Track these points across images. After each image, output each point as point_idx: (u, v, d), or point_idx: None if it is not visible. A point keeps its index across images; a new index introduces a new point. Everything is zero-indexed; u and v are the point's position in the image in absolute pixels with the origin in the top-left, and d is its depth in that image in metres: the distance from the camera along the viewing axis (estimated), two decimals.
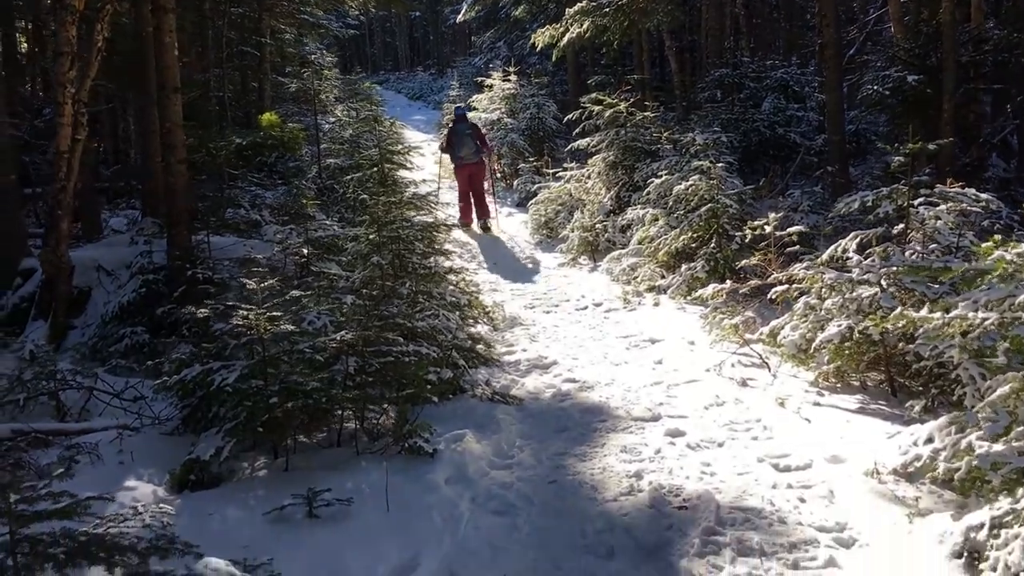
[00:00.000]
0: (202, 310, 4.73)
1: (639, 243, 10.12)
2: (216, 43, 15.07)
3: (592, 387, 6.43)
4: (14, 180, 7.87)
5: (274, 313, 4.52)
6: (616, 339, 7.72)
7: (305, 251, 7.53)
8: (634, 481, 4.65)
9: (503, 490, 4.61)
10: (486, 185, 13.63)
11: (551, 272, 11.13)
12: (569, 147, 13.43)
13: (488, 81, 19.84)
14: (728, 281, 7.53)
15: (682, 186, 9.08)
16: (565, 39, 12.76)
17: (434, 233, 8.06)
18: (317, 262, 7.61)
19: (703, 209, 8.81)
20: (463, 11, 25.53)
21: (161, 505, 3.55)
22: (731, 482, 4.56)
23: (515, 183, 16.33)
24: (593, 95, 13.73)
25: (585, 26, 12.68)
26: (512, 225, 14.39)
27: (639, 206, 11.22)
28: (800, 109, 14.42)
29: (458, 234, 13.31)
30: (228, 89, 15.11)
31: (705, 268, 8.48)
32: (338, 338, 4.73)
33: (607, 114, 12.84)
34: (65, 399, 5.43)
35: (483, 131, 13.65)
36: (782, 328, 6.48)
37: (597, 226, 11.88)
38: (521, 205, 15.78)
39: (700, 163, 9.75)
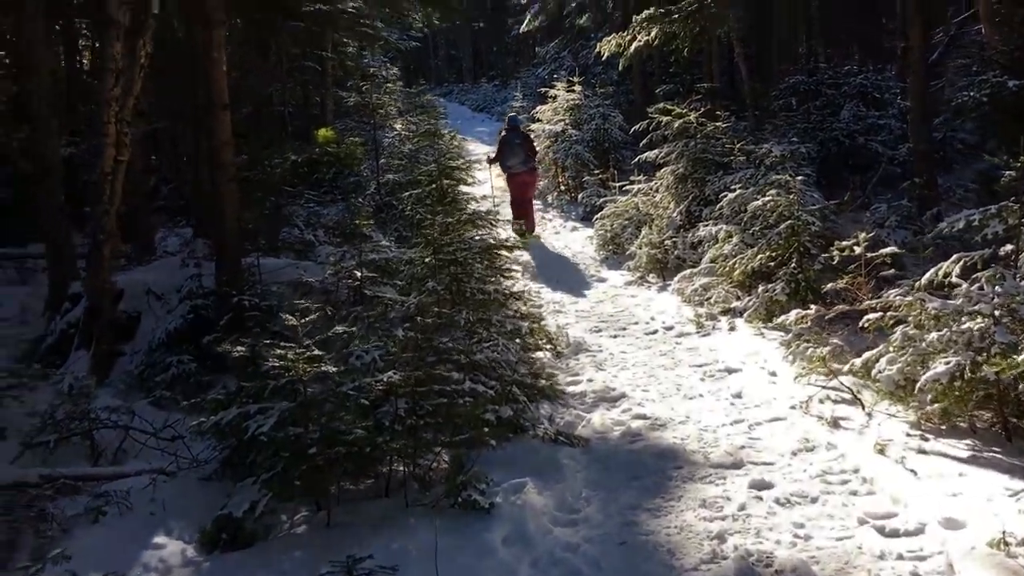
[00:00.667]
0: (238, 348, 4.33)
1: (712, 261, 9.52)
2: (278, 57, 14.94)
3: (665, 425, 5.87)
4: (62, 201, 7.68)
5: (314, 352, 4.10)
6: (689, 368, 7.14)
7: (358, 274, 7.13)
8: (716, 545, 4.09)
9: (567, 552, 4.09)
10: (531, 193, 14.11)
11: (618, 291, 10.58)
12: (636, 159, 12.88)
13: (551, 92, 19.38)
14: (812, 306, 6.90)
15: (759, 201, 8.47)
16: (632, 47, 12.23)
17: (495, 253, 7.62)
18: (371, 286, 7.21)
19: (782, 226, 8.17)
20: (526, 21, 25.18)
21: None
22: (830, 549, 3.97)
23: (580, 196, 15.82)
24: (661, 105, 13.16)
25: (653, 33, 12.13)
26: (577, 240, 13.89)
27: (711, 222, 10.60)
28: (881, 117, 13.61)
29: (520, 252, 12.91)
30: (289, 103, 14.96)
31: (785, 290, 7.83)
32: (384, 379, 4.29)
33: (676, 125, 12.26)
34: (100, 438, 5.11)
35: (534, 142, 14.06)
36: (876, 360, 5.84)
37: (666, 242, 11.30)
38: (586, 219, 15.25)
39: (778, 177, 9.13)
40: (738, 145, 11.39)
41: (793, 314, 6.75)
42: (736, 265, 8.56)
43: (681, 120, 12.20)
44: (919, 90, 10.74)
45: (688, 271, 9.72)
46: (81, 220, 9.04)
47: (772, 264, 8.30)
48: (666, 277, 10.93)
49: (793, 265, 7.97)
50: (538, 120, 19.26)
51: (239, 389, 4.49)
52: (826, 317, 6.72)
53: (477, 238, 7.13)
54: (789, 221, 8.13)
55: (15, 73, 9.51)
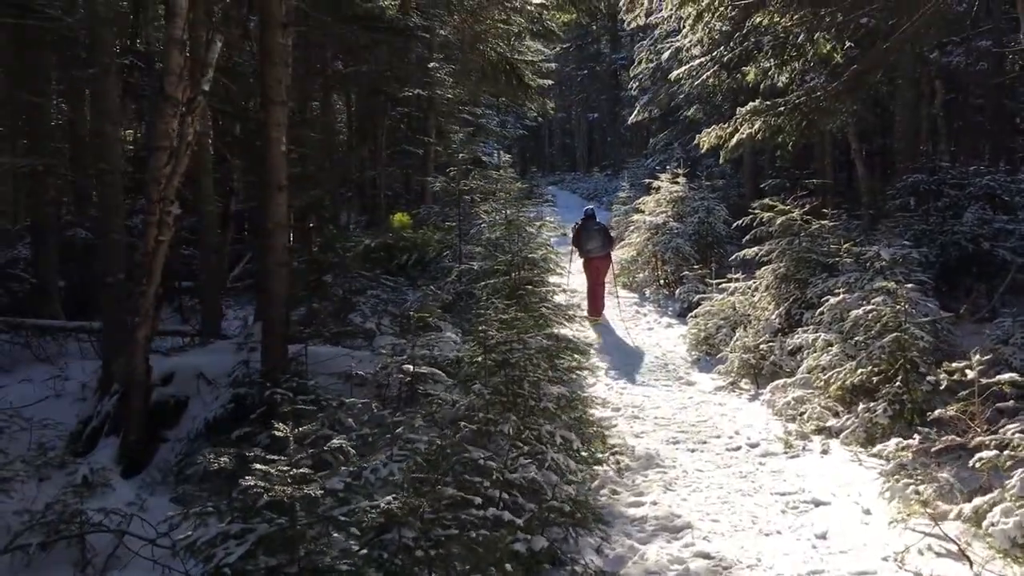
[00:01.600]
0: (222, 460, 3.89)
1: (808, 372, 8.67)
2: (377, 141, 15.04)
3: (730, 568, 5.08)
4: (120, 277, 7.58)
5: (303, 470, 3.60)
6: (771, 496, 6.30)
7: (410, 368, 6.68)
8: None
9: None
10: (608, 280, 14.96)
11: (705, 397, 9.78)
12: (734, 256, 12.16)
13: (655, 183, 18.92)
14: (916, 433, 6.01)
15: (861, 310, 7.63)
16: (734, 140, 11.63)
17: (563, 354, 7.05)
18: (424, 382, 6.74)
19: (887, 339, 7.30)
20: (636, 111, 24.96)
21: None
22: None
23: (677, 291, 15.12)
24: (764, 200, 12.49)
25: (756, 126, 11.52)
26: (670, 338, 13.15)
27: (810, 328, 9.77)
28: (1010, 221, 12.50)
29: (597, 346, 12.27)
30: (387, 186, 14.95)
31: (888, 412, 6.93)
32: (382, 505, 3.74)
33: (779, 221, 11.54)
34: (95, 543, 4.72)
35: (613, 233, 15.27)
36: (990, 509, 4.94)
37: (762, 347, 10.47)
38: (682, 315, 14.51)
39: (885, 283, 8.29)
40: (845, 246, 10.56)
41: (893, 443, 5.89)
42: (834, 379, 7.70)
43: (784, 217, 11.48)
44: None
45: (782, 381, 8.88)
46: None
47: (875, 379, 7.41)
48: (759, 385, 10.09)
49: (898, 384, 7.07)
50: (640, 211, 18.79)
51: (229, 502, 4.03)
52: (932, 449, 5.82)
53: (540, 337, 6.56)
54: (895, 333, 7.26)
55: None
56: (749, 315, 11.69)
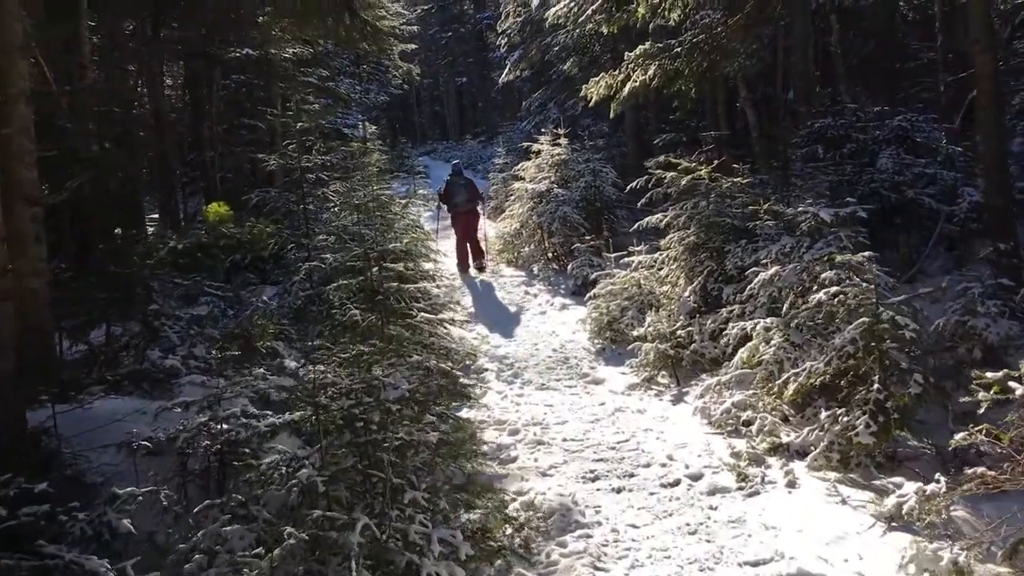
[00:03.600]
0: None
1: (744, 363, 7.03)
2: (208, 115, 12.62)
3: None
4: None
5: None
6: (738, 569, 4.57)
7: (222, 427, 4.62)
8: None
9: None
10: (479, 231, 15.15)
11: (619, 401, 8.07)
12: (635, 225, 10.46)
13: (535, 146, 17.09)
14: (943, 477, 4.39)
15: (822, 293, 5.97)
16: (626, 89, 9.93)
17: (440, 398, 5.15)
18: (247, 444, 4.70)
19: (854, 326, 5.66)
20: (506, 70, 23.04)
21: None
22: None
23: (569, 267, 13.37)
24: (662, 158, 10.84)
25: (651, 72, 9.83)
26: (567, 323, 11.39)
27: (736, 307, 8.17)
28: (929, 165, 11.26)
29: (494, 345, 10.42)
30: (229, 168, 12.58)
31: (871, 428, 5.30)
32: None
33: (683, 181, 9.89)
34: None
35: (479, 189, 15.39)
36: None
37: (679, 332, 8.83)
38: (577, 294, 12.82)
39: (829, 251, 6.72)
40: (765, 206, 8.99)
41: (912, 496, 4.22)
42: (789, 381, 6.04)
43: (690, 176, 9.83)
44: (991, 127, 8.40)
45: (713, 380, 7.21)
46: None
47: (841, 381, 5.79)
48: (680, 379, 8.48)
49: (876, 384, 5.44)
50: (520, 178, 16.96)
51: None
52: (958, 491, 4.19)
53: (404, 377, 4.61)
54: (864, 319, 5.63)
55: None
56: (658, 294, 10.06)
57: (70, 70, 10.29)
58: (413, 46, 41.14)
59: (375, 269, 6.27)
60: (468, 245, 14.74)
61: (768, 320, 6.87)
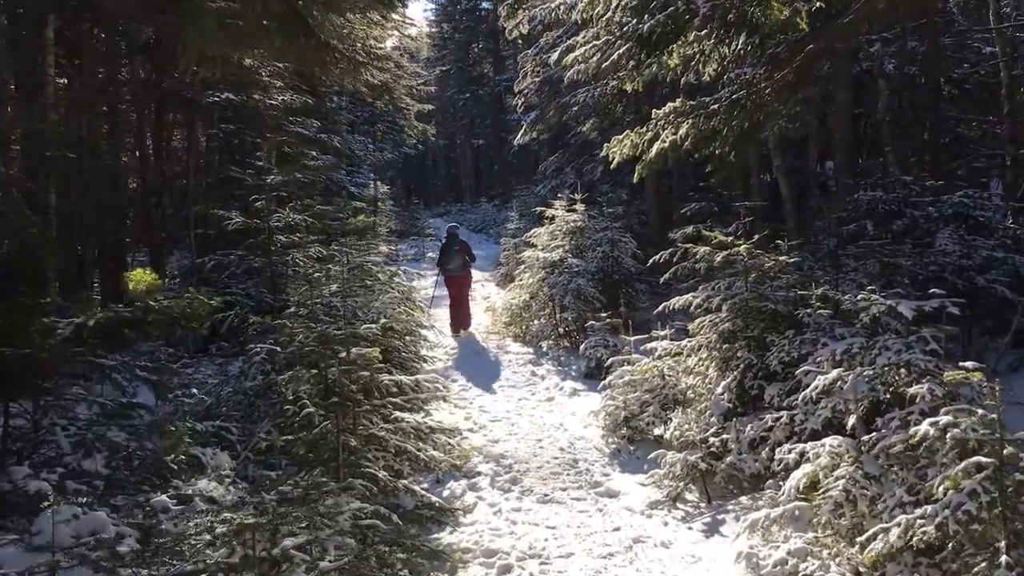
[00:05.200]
0: None
1: (801, 494, 5.53)
2: (187, 163, 11.38)
3: None
4: None
5: None
6: None
7: None
8: None
9: None
10: (470, 294, 15.56)
11: (639, 526, 6.55)
12: (661, 306, 9.03)
13: (549, 212, 15.81)
14: None
15: (926, 425, 4.45)
16: (654, 149, 8.58)
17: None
18: None
19: (966, 470, 4.16)
20: (521, 132, 21.90)
21: None
22: None
23: (582, 346, 11.91)
24: (690, 229, 9.52)
25: (683, 131, 8.50)
26: (577, 414, 9.91)
27: (785, 416, 6.69)
28: (997, 248, 9.84)
29: (488, 440, 8.92)
30: (200, 226, 11.30)
31: None
32: None
33: (718, 258, 8.49)
34: None
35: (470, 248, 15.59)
36: None
37: (710, 439, 7.34)
38: (590, 377, 11.39)
39: (917, 356, 5.28)
40: (818, 291, 7.57)
41: None
42: (876, 540, 4.48)
43: (725, 252, 8.44)
44: None
45: (760, 515, 5.65)
46: None
47: (946, 543, 4.26)
48: (712, 497, 6.98)
49: (1003, 558, 3.92)
50: (532, 245, 15.66)
51: None
52: None
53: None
54: (983, 460, 4.12)
55: None
56: (684, 387, 8.60)
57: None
58: (430, 107, 40.56)
59: (333, 360, 4.83)
60: (459, 305, 14.97)
61: (833, 441, 5.37)
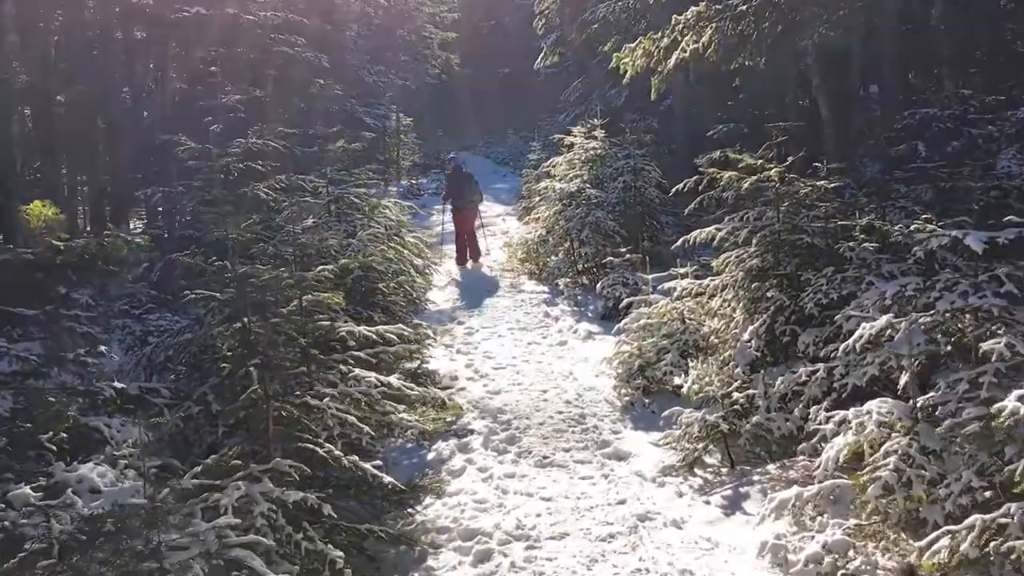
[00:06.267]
0: None
1: (841, 468, 4.53)
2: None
3: None
4: None
5: None
6: None
7: None
8: None
9: None
10: (477, 224, 15.14)
11: (648, 498, 5.61)
12: (680, 241, 7.97)
13: (567, 139, 14.67)
14: None
15: (1013, 400, 3.41)
16: (672, 60, 7.44)
17: None
18: None
19: None
20: (541, 55, 20.57)
21: None
22: None
23: (600, 284, 10.89)
24: (717, 154, 8.37)
25: (706, 37, 7.34)
26: (590, 361, 8.95)
27: (822, 369, 5.67)
28: None
29: (486, 394, 7.99)
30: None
31: None
32: None
33: (745, 184, 7.39)
34: None
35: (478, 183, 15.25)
36: None
37: (735, 393, 6.34)
38: (607, 318, 10.39)
39: (988, 299, 4.22)
40: (862, 222, 6.46)
41: None
42: (939, 543, 3.50)
43: (753, 177, 7.33)
44: None
45: (790, 493, 4.65)
46: None
47: None
48: (735, 461, 6.03)
49: None
50: (550, 176, 14.57)
51: None
52: None
53: None
54: None
55: None
56: (706, 332, 7.59)
57: None
58: (454, 34, 39.09)
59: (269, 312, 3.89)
60: (465, 239, 14.56)
61: (882, 406, 4.35)
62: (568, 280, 12.36)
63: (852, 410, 4.42)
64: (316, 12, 16.58)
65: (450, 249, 15.61)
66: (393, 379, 5.10)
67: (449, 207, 15.07)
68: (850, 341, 4.94)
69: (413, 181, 29.24)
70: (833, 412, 4.65)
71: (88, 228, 9.25)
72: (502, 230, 18.53)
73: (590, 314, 11.04)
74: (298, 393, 4.35)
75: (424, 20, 37.31)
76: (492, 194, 26.32)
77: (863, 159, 11.68)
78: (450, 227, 15.50)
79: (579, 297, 11.80)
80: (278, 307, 4.71)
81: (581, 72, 24.09)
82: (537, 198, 14.82)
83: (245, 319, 4.02)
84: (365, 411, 4.67)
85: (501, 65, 46.67)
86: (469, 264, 14.47)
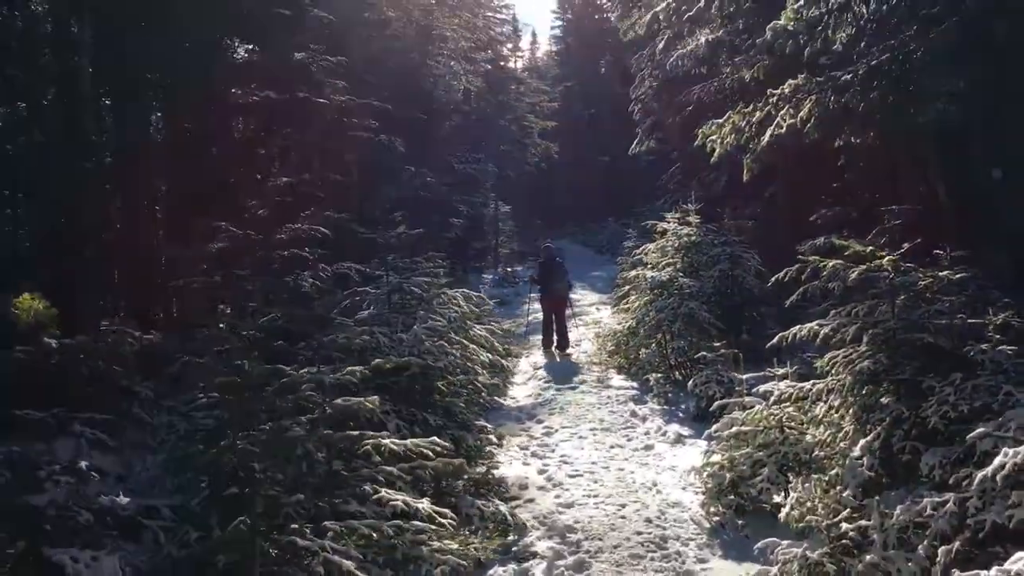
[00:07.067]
0: None
1: None
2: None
3: None
4: None
5: None
6: None
7: None
8: None
9: None
10: (568, 313, 15.11)
11: None
12: (778, 337, 7.04)
13: (660, 226, 13.94)
14: None
15: None
16: (766, 136, 6.69)
17: None
18: None
19: None
20: (636, 140, 20.04)
21: None
22: None
23: (691, 382, 9.94)
24: (820, 240, 7.52)
25: (805, 111, 6.56)
26: (677, 470, 8.02)
27: (952, 500, 4.65)
28: None
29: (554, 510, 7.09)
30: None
31: None
32: None
33: (853, 274, 6.48)
34: None
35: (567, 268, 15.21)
36: None
37: (843, 523, 5.32)
38: (700, 419, 9.45)
39: None
40: (996, 320, 5.46)
41: None
42: None
43: (863, 266, 6.41)
44: None
45: None
46: None
47: None
48: None
49: None
50: (645, 264, 13.82)
51: None
52: None
53: None
54: None
55: None
56: (808, 443, 6.58)
57: None
58: (553, 123, 39.18)
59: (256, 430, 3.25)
60: (555, 325, 14.42)
61: None
62: (659, 376, 11.44)
63: (995, 570, 3.41)
64: (406, 100, 16.54)
65: (537, 340, 14.99)
66: (424, 504, 4.34)
67: (538, 293, 14.92)
68: (988, 471, 3.95)
69: (508, 269, 28.87)
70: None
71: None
72: (595, 319, 17.88)
73: (681, 414, 10.10)
74: (295, 527, 3.64)
75: (524, 110, 37.65)
76: (588, 282, 25.71)
77: (991, 248, 10.47)
78: (539, 316, 15.16)
79: (670, 395, 10.87)
80: (299, 415, 4.08)
81: (679, 158, 23.45)
82: (628, 287, 14.06)
83: (224, 442, 3.38)
84: (378, 548, 3.92)
85: (601, 153, 46.52)
86: (556, 354, 14.16)
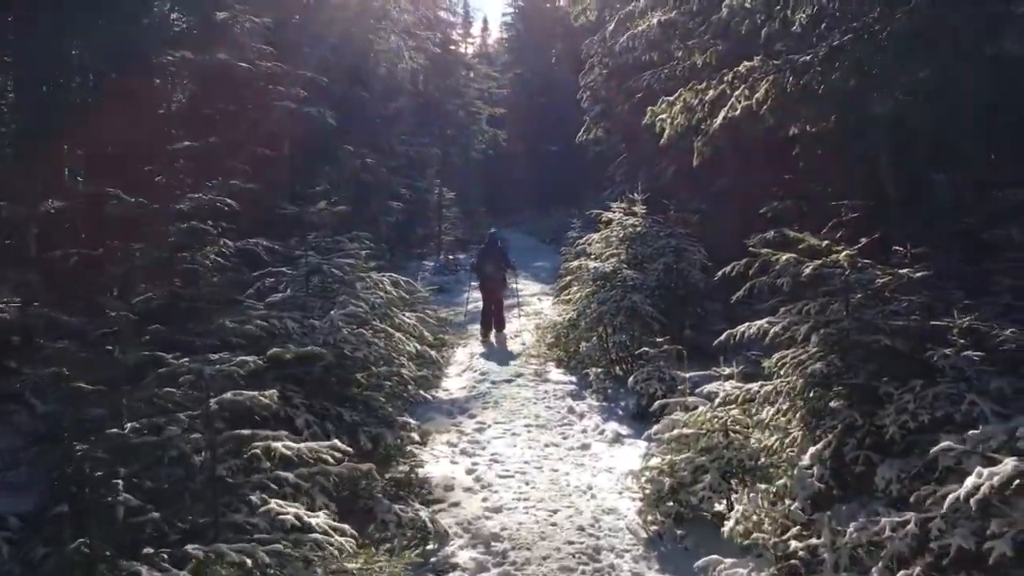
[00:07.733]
0: None
1: None
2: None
3: None
4: None
5: None
6: None
7: None
8: None
9: None
10: (506, 294, 15.20)
11: None
12: (725, 335, 6.57)
13: (605, 215, 13.45)
14: None
15: None
16: (719, 118, 6.20)
17: None
18: None
19: None
20: (584, 128, 19.55)
21: None
22: None
23: (631, 379, 9.46)
24: (770, 234, 7.08)
25: (761, 92, 6.09)
26: (614, 473, 7.55)
27: (911, 519, 4.21)
28: None
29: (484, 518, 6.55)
30: None
31: None
32: None
33: (807, 270, 6.02)
34: None
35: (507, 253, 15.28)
36: None
37: (791, 541, 4.87)
38: (640, 418, 9.00)
39: None
40: (962, 323, 5.04)
41: None
42: None
43: (815, 263, 5.96)
44: None
45: None
46: None
47: None
48: None
49: None
50: (588, 255, 13.30)
51: None
52: None
53: None
54: None
55: None
56: (754, 448, 6.13)
57: None
58: (501, 110, 38.50)
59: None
60: (492, 308, 14.50)
61: None
62: (599, 370, 10.96)
63: None
64: (348, 76, 15.77)
65: (476, 329, 14.46)
66: (320, 518, 3.75)
67: (477, 281, 15.09)
68: (961, 492, 3.50)
69: (450, 256, 28.19)
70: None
71: None
72: (536, 310, 17.40)
73: (620, 412, 9.63)
74: (148, 552, 3.02)
75: (473, 96, 36.91)
76: (531, 272, 25.23)
77: (939, 246, 10.18)
78: (479, 305, 15.03)
79: (609, 391, 10.39)
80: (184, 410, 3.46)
81: (628, 147, 23.02)
82: (570, 278, 13.57)
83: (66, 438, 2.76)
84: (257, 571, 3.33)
85: (550, 143, 46.07)
86: (494, 339, 14.14)
